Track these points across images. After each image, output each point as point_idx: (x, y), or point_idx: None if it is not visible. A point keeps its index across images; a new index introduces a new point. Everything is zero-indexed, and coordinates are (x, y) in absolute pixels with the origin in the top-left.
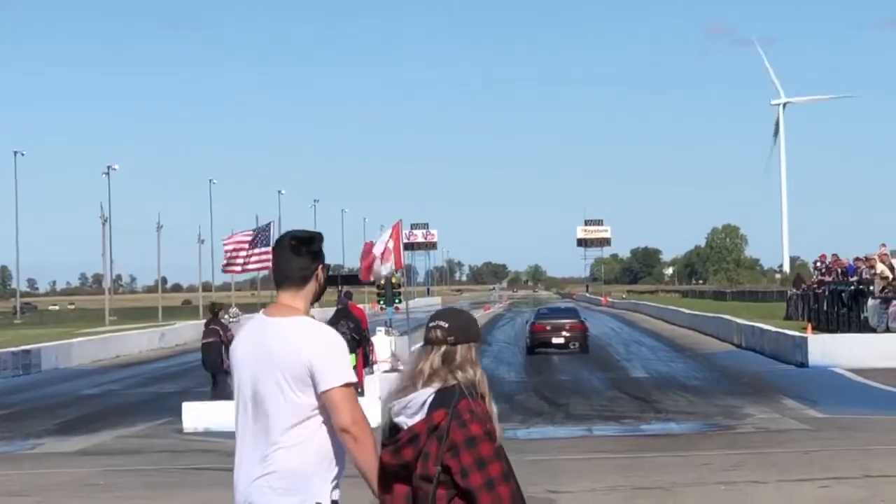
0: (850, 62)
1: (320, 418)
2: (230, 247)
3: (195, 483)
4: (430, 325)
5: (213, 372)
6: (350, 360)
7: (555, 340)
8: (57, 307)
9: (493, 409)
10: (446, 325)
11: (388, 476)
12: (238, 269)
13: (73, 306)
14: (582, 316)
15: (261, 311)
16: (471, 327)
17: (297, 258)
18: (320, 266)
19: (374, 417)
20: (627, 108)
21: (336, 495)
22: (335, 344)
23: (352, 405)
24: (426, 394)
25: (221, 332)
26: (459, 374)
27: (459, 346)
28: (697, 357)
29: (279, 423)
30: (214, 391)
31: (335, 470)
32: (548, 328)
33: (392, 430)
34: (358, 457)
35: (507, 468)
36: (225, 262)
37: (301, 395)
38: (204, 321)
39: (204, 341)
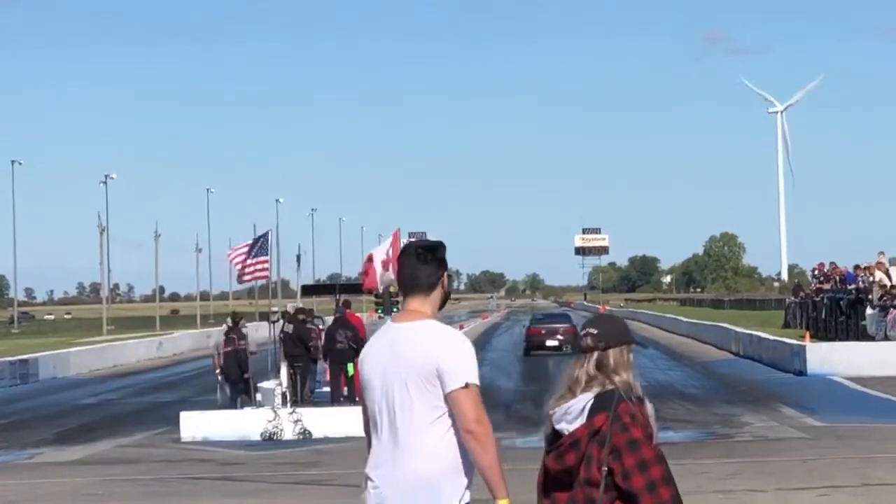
0: (848, 70)
1: (450, 420)
2: (239, 258)
3: (193, 492)
4: (581, 333)
5: (232, 380)
6: (350, 368)
7: (549, 343)
8: (53, 316)
9: (650, 410)
10: (596, 332)
11: (551, 482)
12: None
13: (69, 316)
14: (574, 321)
15: (390, 319)
16: (621, 331)
17: (424, 266)
18: (444, 273)
19: None
20: (625, 116)
21: (468, 497)
22: (462, 346)
23: (475, 406)
24: (585, 399)
25: (241, 342)
26: (616, 378)
27: (611, 351)
28: (695, 365)
29: (411, 426)
30: (232, 400)
31: (467, 471)
32: (543, 332)
33: (553, 437)
34: (480, 457)
35: (667, 471)
36: (238, 273)
37: (431, 398)
38: (224, 329)
39: (226, 350)
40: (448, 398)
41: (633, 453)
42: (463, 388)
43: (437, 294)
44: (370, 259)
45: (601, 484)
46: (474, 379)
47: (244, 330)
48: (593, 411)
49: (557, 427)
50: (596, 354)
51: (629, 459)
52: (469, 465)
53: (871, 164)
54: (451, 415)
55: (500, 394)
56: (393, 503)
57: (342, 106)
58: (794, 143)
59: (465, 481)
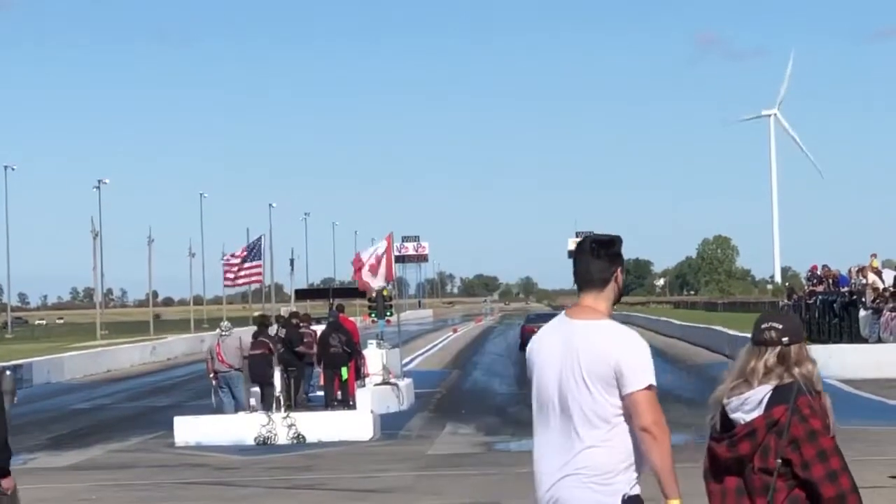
0: (844, 73)
1: (622, 418)
2: (232, 263)
3: (187, 497)
4: (763, 326)
5: (260, 383)
6: (344, 372)
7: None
8: (45, 321)
9: (828, 403)
10: (780, 327)
11: (720, 468)
12: (230, 282)
13: (62, 321)
14: None
15: (562, 312)
16: (800, 327)
17: (597, 261)
18: (619, 268)
19: (367, 428)
20: (618, 119)
21: (637, 490)
22: (640, 347)
23: (654, 406)
24: (764, 391)
25: (271, 344)
26: (796, 371)
27: (793, 346)
28: (689, 368)
29: (585, 423)
30: (263, 403)
31: (637, 467)
32: (535, 329)
33: (723, 425)
34: (656, 456)
35: (845, 460)
36: (231, 278)
37: (607, 396)
38: (251, 332)
39: (252, 352)
40: (627, 398)
41: (813, 444)
42: (644, 389)
43: (610, 289)
44: (358, 260)
45: (775, 472)
46: (653, 381)
47: (223, 334)
48: (772, 403)
49: (733, 416)
50: (778, 348)
51: (809, 450)
52: (640, 461)
53: (864, 166)
54: (625, 413)
55: (494, 397)
56: (563, 494)
57: (336, 110)
58: (778, 148)
59: (635, 475)
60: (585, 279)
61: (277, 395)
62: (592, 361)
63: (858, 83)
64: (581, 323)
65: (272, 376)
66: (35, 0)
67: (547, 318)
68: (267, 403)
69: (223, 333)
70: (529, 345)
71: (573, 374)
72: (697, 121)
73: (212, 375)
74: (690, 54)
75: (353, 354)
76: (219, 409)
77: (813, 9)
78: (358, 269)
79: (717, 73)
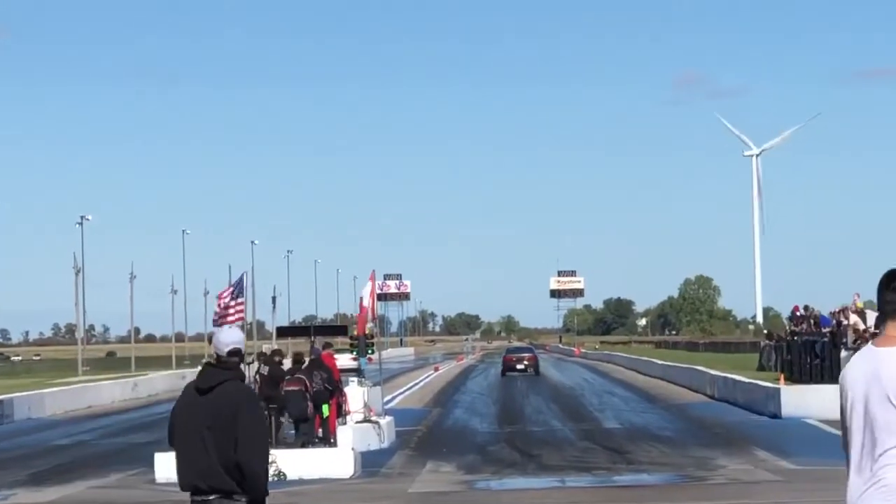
0: (826, 113)
1: None
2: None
3: None
4: None
5: (297, 418)
6: (325, 409)
7: (518, 367)
8: (20, 357)
9: None
10: None
11: None
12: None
13: (38, 357)
14: (535, 352)
15: (870, 342)
16: None
17: (889, 294)
18: None
19: (347, 466)
20: (600, 159)
21: None
22: None
23: None
24: None
25: (307, 382)
26: None
27: None
28: (670, 408)
29: (888, 443)
30: (298, 437)
31: None
32: (514, 359)
33: None
34: None
35: None
36: (216, 317)
37: None
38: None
39: (287, 389)
40: None
41: None
42: None
43: None
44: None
45: None
46: None
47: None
48: None
49: None
50: None
51: None
52: None
53: (846, 206)
54: None
55: (475, 436)
56: None
57: (318, 147)
58: (766, 188)
59: None
60: (892, 309)
61: None
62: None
63: (839, 123)
64: (885, 350)
65: (307, 410)
66: (18, 35)
67: (521, 349)
68: (306, 438)
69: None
70: (841, 374)
71: (878, 398)
72: (679, 160)
73: None
74: (671, 94)
75: (334, 392)
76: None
77: (792, 49)
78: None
79: (697, 112)
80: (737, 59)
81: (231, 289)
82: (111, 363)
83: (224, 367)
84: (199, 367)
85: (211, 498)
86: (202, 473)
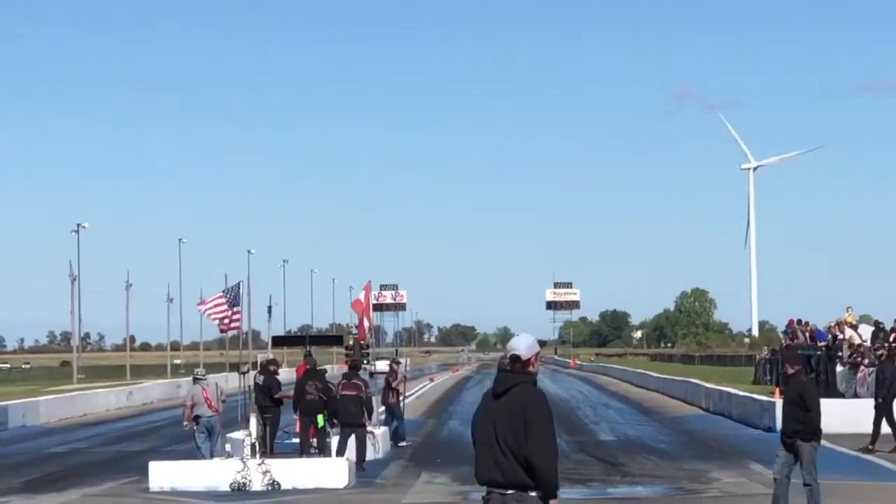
0: (819, 127)
1: None
2: (213, 308)
3: None
4: None
5: (351, 424)
6: (320, 419)
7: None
8: (8, 365)
9: None
10: None
11: None
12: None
13: (28, 365)
14: None
15: None
16: None
17: None
18: None
19: (342, 476)
20: (597, 171)
21: None
22: None
23: None
24: None
25: (363, 388)
26: None
27: None
28: (665, 420)
29: None
30: (343, 441)
31: None
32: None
33: None
34: None
35: None
36: (218, 322)
37: None
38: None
39: (343, 393)
40: None
41: None
42: None
43: None
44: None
45: None
46: None
47: (199, 379)
48: None
49: None
50: None
51: None
52: None
53: (843, 220)
54: None
55: (470, 447)
56: None
57: (315, 158)
58: (759, 201)
59: None
60: None
61: (253, 441)
62: None
63: (835, 137)
64: None
65: (362, 417)
66: (10, 43)
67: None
68: (360, 444)
69: (199, 378)
70: None
71: None
72: (676, 173)
73: (186, 424)
74: (667, 107)
75: (328, 402)
76: (205, 454)
77: (788, 61)
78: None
79: (693, 124)
80: (731, 71)
81: (222, 295)
82: (110, 371)
83: (515, 371)
84: (191, 377)
85: (509, 492)
86: (501, 469)
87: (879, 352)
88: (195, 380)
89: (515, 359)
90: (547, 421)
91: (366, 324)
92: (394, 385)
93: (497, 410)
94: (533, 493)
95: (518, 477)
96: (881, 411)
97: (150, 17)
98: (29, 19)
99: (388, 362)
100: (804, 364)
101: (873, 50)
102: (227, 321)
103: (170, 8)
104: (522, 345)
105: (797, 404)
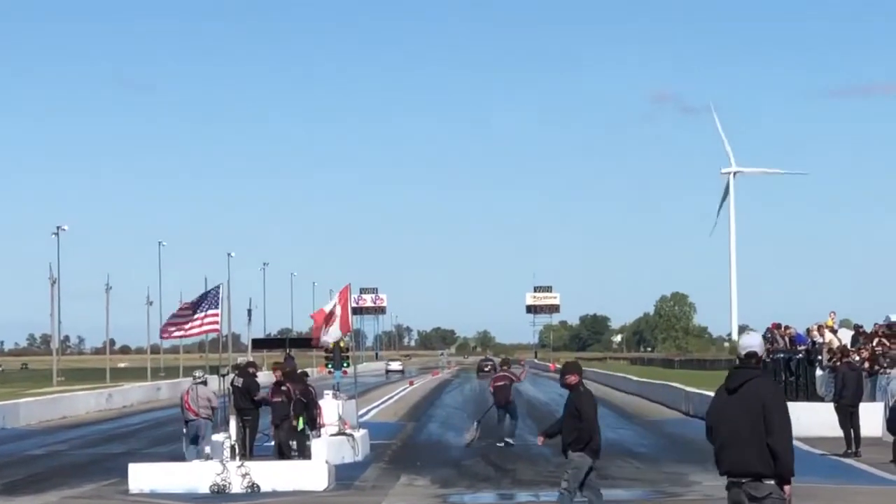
0: (798, 131)
1: None
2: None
3: None
4: None
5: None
6: (300, 422)
7: (486, 368)
8: None
9: None
10: None
11: None
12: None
13: (0, 368)
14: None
15: None
16: None
17: None
18: None
19: (321, 478)
20: (576, 175)
21: None
22: None
23: None
24: None
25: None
26: None
27: None
28: (645, 424)
29: None
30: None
31: None
32: (486, 367)
33: None
34: None
35: None
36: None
37: None
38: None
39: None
40: None
41: None
42: None
43: None
44: (320, 314)
45: None
46: None
47: (197, 381)
48: None
49: None
50: None
51: None
52: None
53: (824, 224)
54: None
55: (450, 450)
56: None
57: (295, 161)
58: (738, 206)
59: None
60: None
61: (233, 443)
62: None
63: (814, 140)
64: None
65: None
66: None
67: (495, 361)
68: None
69: (196, 381)
70: None
71: None
72: (655, 177)
73: (185, 429)
74: (645, 110)
75: (308, 405)
76: (191, 457)
77: (767, 65)
78: (316, 324)
79: (671, 128)
80: (708, 75)
81: (191, 305)
82: (90, 374)
83: (747, 367)
84: (192, 379)
85: (744, 481)
86: (741, 461)
87: (832, 358)
88: (194, 381)
89: (751, 355)
90: (786, 412)
91: (325, 334)
92: (522, 379)
93: (734, 404)
94: (768, 482)
95: (754, 467)
96: (841, 413)
97: (130, 17)
98: (4, 18)
99: (491, 364)
100: (579, 372)
101: (854, 54)
102: (183, 328)
103: (150, 7)
104: (757, 342)
105: (574, 415)
